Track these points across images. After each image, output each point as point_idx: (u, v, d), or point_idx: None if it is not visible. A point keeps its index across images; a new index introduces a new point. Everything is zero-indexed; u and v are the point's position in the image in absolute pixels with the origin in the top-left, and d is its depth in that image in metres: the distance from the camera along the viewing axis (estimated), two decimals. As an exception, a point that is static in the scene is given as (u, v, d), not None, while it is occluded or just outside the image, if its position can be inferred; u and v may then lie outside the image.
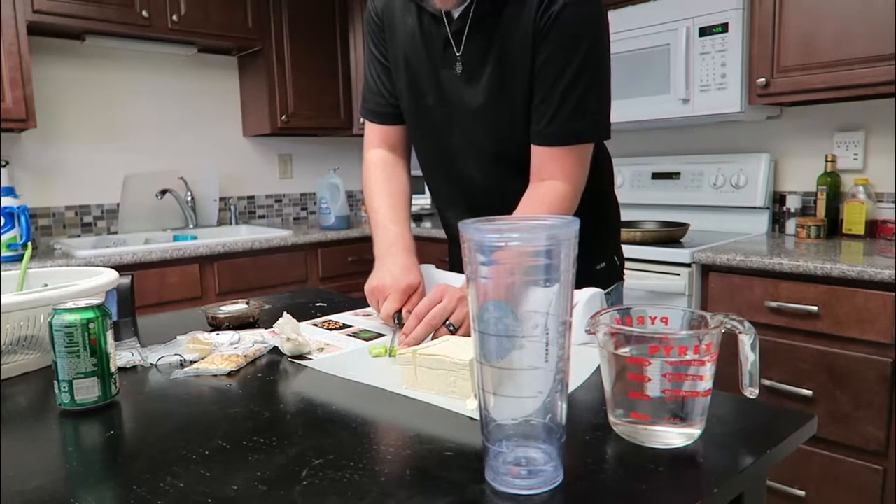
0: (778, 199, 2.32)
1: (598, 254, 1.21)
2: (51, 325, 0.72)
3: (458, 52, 1.04)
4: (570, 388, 0.75)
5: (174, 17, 2.57)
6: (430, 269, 1.15)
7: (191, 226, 2.92)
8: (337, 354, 0.92)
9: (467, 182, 1.15)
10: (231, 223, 3.14)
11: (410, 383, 0.78)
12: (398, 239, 1.10)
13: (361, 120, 3.16)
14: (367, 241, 2.89)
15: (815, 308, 1.66)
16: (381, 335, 1.01)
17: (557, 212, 1.00)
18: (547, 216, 0.54)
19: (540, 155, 1.04)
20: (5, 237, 2.19)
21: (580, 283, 0.75)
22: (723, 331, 0.60)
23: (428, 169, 1.23)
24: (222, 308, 1.12)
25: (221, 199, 3.14)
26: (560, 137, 1.02)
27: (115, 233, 2.79)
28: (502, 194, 1.08)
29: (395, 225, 1.13)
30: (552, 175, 1.03)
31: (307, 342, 0.93)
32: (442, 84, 1.08)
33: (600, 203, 1.21)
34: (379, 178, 1.19)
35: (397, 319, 0.99)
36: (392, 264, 1.05)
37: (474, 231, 0.50)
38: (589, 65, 0.99)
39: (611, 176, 1.28)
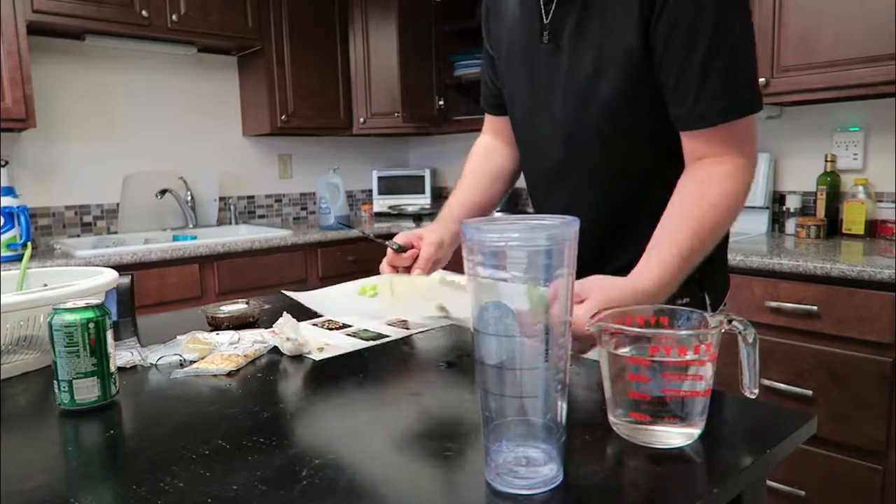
0: (778, 198, 2.32)
1: (684, 284, 0.94)
2: (50, 325, 0.72)
3: (547, 19, 0.96)
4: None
5: (174, 17, 2.57)
6: None
7: (190, 226, 2.92)
8: (324, 294, 0.95)
9: (558, 175, 1.05)
10: (231, 223, 3.14)
11: (388, 307, 0.79)
12: (445, 210, 1.16)
13: (362, 119, 3.19)
14: (366, 241, 2.89)
15: (815, 308, 1.66)
16: (381, 335, 1.01)
17: (740, 181, 0.85)
18: (549, 217, 0.54)
19: (694, 140, 0.88)
20: (5, 237, 2.19)
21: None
22: (723, 331, 0.60)
23: (524, 166, 1.14)
24: (222, 308, 1.12)
25: (221, 198, 3.14)
26: (713, 115, 0.85)
27: (115, 233, 2.79)
28: (595, 186, 0.98)
29: (455, 197, 1.18)
30: (716, 154, 0.87)
31: (307, 342, 0.93)
32: (533, 61, 1.01)
33: None
34: (470, 160, 1.24)
35: (396, 246, 1.05)
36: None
37: (474, 231, 0.50)
38: (726, 21, 0.83)
39: None
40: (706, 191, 0.85)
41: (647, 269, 0.81)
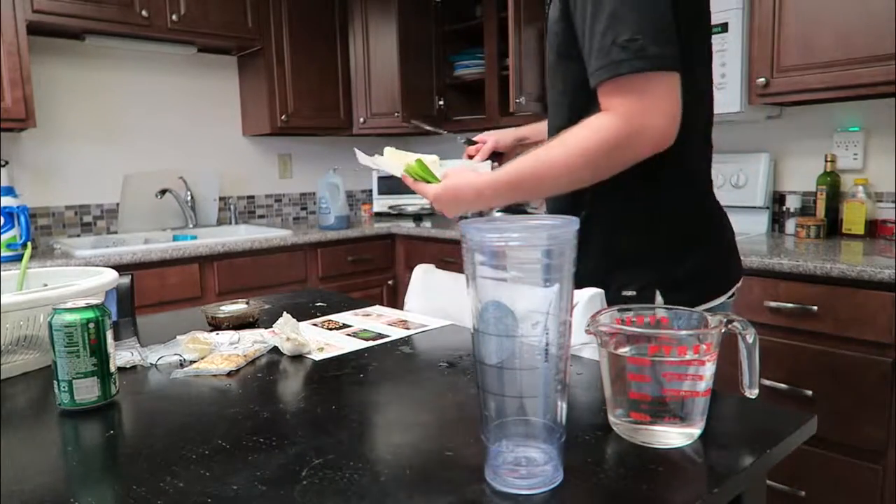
0: (777, 198, 2.31)
1: (626, 270, 0.99)
2: (50, 325, 0.72)
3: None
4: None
5: (174, 17, 2.57)
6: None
7: (190, 225, 2.92)
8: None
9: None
10: (231, 223, 3.14)
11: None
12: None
13: (362, 119, 3.19)
14: (366, 241, 2.89)
15: (814, 308, 1.66)
16: (381, 335, 1.02)
17: (600, 136, 0.88)
18: (549, 217, 0.54)
19: (599, 98, 0.92)
20: (5, 237, 2.19)
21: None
22: (723, 331, 0.60)
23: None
24: (222, 308, 1.12)
25: (221, 198, 3.14)
26: (596, 74, 0.89)
27: (115, 232, 2.79)
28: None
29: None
30: (605, 109, 0.90)
31: (307, 342, 0.93)
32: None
33: (644, 188, 0.96)
34: None
35: (464, 140, 1.40)
36: None
37: (474, 231, 0.50)
38: None
39: (675, 155, 0.91)
40: (565, 137, 0.92)
41: (488, 174, 0.98)
